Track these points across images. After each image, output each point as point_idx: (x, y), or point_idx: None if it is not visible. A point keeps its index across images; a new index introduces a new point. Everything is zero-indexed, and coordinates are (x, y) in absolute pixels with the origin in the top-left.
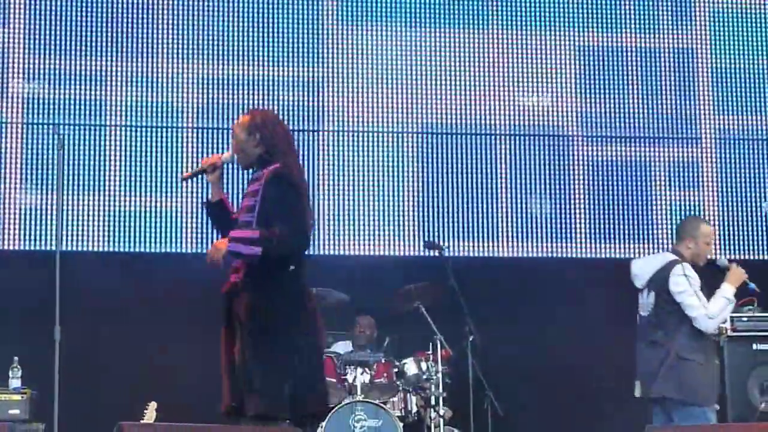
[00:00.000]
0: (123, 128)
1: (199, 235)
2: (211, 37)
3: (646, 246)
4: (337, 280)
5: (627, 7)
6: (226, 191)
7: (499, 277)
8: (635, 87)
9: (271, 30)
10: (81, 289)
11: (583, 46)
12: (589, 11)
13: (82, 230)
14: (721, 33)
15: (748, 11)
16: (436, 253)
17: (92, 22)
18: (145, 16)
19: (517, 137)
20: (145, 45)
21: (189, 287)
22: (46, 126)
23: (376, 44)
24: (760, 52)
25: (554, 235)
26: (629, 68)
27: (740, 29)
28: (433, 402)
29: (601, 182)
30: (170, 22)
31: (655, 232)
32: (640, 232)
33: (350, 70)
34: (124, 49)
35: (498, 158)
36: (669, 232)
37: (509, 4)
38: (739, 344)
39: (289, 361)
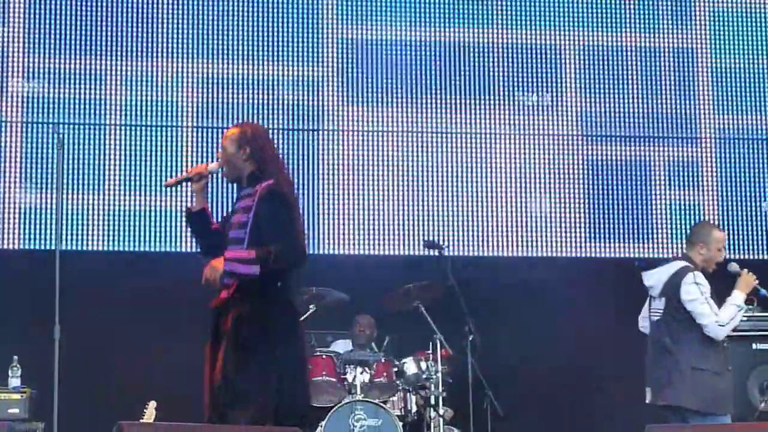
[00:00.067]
0: (122, 127)
1: None
2: (210, 36)
3: (646, 245)
4: (337, 280)
5: (627, 6)
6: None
7: (499, 276)
8: (635, 87)
9: (271, 29)
10: (80, 289)
11: (584, 46)
12: (590, 11)
13: (82, 229)
14: (721, 32)
15: (749, 11)
16: (436, 253)
17: (91, 21)
18: (144, 15)
19: (518, 137)
20: (144, 44)
21: (189, 286)
22: (45, 125)
23: (376, 43)
24: (760, 52)
25: (554, 234)
26: (629, 68)
27: (740, 29)
28: (432, 401)
29: (601, 182)
30: (170, 21)
31: (655, 231)
32: (640, 231)
33: (350, 69)
34: (124, 49)
35: (498, 157)
36: (669, 231)
37: (510, 3)
38: (739, 344)
39: (273, 374)
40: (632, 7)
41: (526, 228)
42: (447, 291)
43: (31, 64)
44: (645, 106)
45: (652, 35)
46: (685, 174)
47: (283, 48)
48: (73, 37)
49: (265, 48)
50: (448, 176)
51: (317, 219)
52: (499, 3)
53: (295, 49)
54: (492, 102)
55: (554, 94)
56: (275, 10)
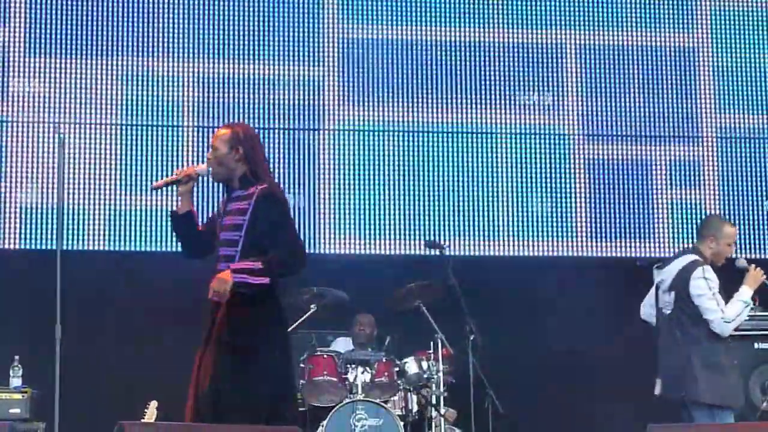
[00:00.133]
0: (124, 127)
1: None
2: (211, 36)
3: (647, 245)
4: (338, 279)
5: (629, 5)
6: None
7: (500, 276)
8: (637, 86)
9: (273, 28)
10: (82, 288)
11: (585, 45)
12: (591, 10)
13: (83, 229)
14: (723, 31)
15: (750, 10)
16: (437, 252)
17: (93, 21)
18: (146, 14)
19: (519, 136)
20: (146, 44)
21: (190, 286)
22: (46, 125)
23: (377, 43)
24: (762, 50)
25: (555, 233)
26: (631, 67)
27: (742, 28)
28: (434, 401)
29: (602, 181)
30: (172, 20)
31: (656, 231)
32: (642, 231)
33: (351, 68)
34: (125, 48)
35: (499, 157)
36: (670, 231)
37: (510, 3)
38: (741, 343)
39: (268, 382)
40: (634, 6)
41: (527, 227)
42: (448, 290)
43: (32, 64)
44: (646, 105)
45: (653, 34)
46: (687, 173)
47: (284, 47)
48: (74, 37)
49: (266, 47)
50: (449, 176)
51: (318, 218)
52: (500, 2)
53: (296, 48)
54: (493, 101)
55: (555, 93)
56: (276, 10)
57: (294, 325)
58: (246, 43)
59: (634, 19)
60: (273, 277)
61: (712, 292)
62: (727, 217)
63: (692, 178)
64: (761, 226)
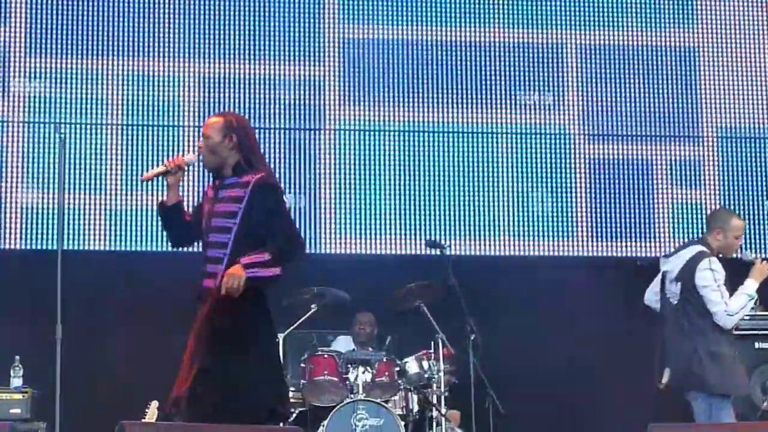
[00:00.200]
0: (124, 127)
1: None
2: (214, 36)
3: (648, 244)
4: (339, 279)
5: (629, 5)
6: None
7: (501, 275)
8: (638, 85)
9: (274, 28)
10: (83, 288)
11: (585, 45)
12: (592, 9)
13: (84, 229)
14: (725, 30)
15: (751, 9)
16: (438, 252)
17: (94, 20)
18: (146, 15)
19: (519, 136)
20: (146, 44)
21: (191, 286)
22: (47, 125)
23: (377, 42)
24: (763, 50)
25: (556, 233)
26: (632, 66)
27: (743, 27)
28: (434, 401)
29: (603, 181)
30: (173, 20)
31: (657, 230)
32: (643, 230)
33: (352, 68)
34: (126, 48)
35: (500, 157)
36: (671, 230)
37: (511, 2)
38: (741, 343)
39: (270, 367)
40: (635, 5)
41: (527, 227)
42: (448, 290)
43: (33, 64)
44: (647, 104)
45: (654, 34)
46: (688, 173)
47: (285, 47)
48: (75, 37)
49: (267, 47)
50: (449, 175)
51: (319, 218)
52: (500, 2)
53: (297, 48)
54: (494, 101)
55: (556, 92)
56: (277, 10)
57: (295, 325)
58: (247, 42)
59: (635, 19)
60: (281, 265)
61: (717, 283)
62: None
63: (693, 177)
64: (762, 226)
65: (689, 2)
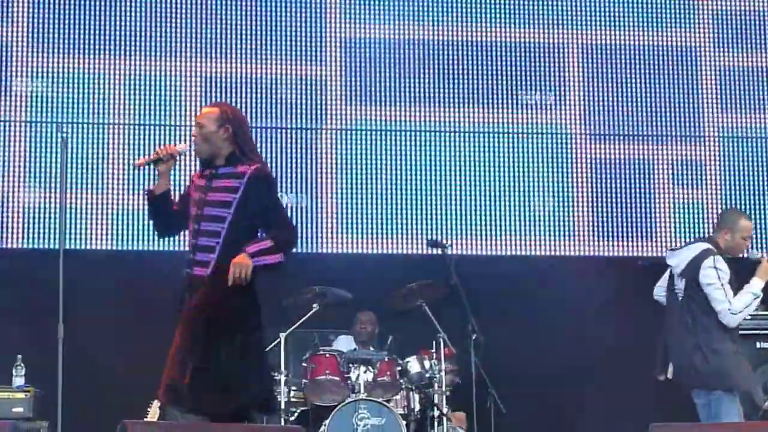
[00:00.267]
0: (126, 126)
1: None
2: (215, 36)
3: (649, 244)
4: (340, 278)
5: (631, 5)
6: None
7: (502, 275)
8: (639, 85)
9: (274, 28)
10: (84, 288)
11: (587, 44)
12: (593, 9)
13: (86, 228)
14: (726, 30)
15: (753, 9)
16: (439, 251)
17: (96, 20)
18: (148, 14)
19: (521, 135)
20: (148, 43)
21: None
22: (49, 124)
23: (379, 42)
24: (764, 50)
25: (558, 233)
26: (633, 66)
27: (745, 27)
28: (436, 400)
29: (604, 180)
30: (173, 21)
31: (658, 230)
32: (644, 230)
33: (353, 67)
34: (127, 48)
35: (501, 156)
36: (673, 230)
37: (512, 2)
38: (743, 343)
39: (262, 358)
40: (636, 5)
41: (529, 227)
42: (450, 290)
43: (34, 64)
44: (649, 104)
45: (656, 33)
46: (689, 173)
47: (286, 47)
48: (76, 36)
49: (268, 47)
50: (451, 175)
51: (319, 218)
52: (501, 2)
53: (298, 48)
54: (495, 101)
55: (557, 92)
56: (278, 10)
57: (296, 325)
58: (248, 42)
59: (636, 19)
60: (284, 251)
61: (721, 282)
62: None
63: (695, 177)
64: (763, 226)
65: (690, 2)
